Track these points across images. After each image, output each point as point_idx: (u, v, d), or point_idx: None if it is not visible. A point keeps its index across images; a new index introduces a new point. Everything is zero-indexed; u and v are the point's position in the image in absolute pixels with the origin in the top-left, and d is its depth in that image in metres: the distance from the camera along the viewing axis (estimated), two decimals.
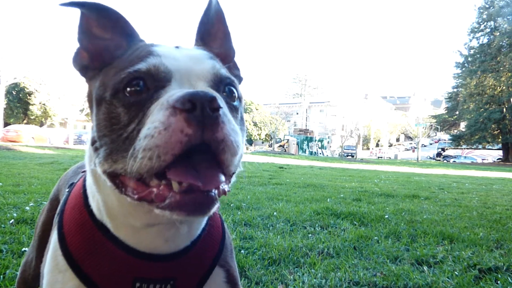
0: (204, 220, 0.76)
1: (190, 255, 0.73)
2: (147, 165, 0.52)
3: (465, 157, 44.78)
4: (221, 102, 0.57)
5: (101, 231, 0.69)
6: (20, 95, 40.58)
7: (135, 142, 0.54)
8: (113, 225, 0.69)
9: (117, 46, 0.70)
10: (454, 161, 42.15)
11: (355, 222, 3.64)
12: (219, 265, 0.79)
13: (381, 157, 48.21)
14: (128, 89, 0.59)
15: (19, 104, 40.48)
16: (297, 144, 44.13)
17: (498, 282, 2.19)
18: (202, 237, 0.76)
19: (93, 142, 0.63)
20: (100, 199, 0.69)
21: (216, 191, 0.56)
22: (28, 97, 40.39)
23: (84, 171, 0.79)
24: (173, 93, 0.56)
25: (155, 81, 0.59)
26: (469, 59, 42.83)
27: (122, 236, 0.69)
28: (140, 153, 0.52)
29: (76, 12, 0.71)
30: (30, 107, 40.78)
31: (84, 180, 0.76)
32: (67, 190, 0.87)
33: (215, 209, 0.56)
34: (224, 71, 0.67)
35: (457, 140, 44.40)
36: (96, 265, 0.68)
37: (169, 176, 0.53)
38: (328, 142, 45.59)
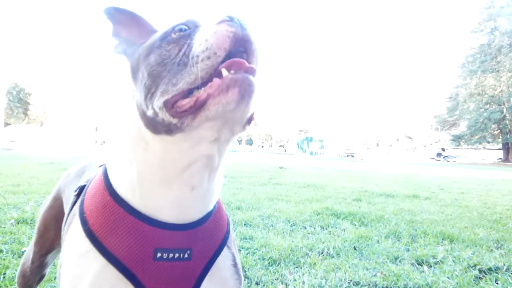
0: (216, 192, 0.80)
1: (204, 227, 0.78)
2: (207, 64, 0.62)
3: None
4: None
5: (122, 207, 0.73)
6: (20, 95, 40.53)
7: (189, 57, 0.64)
8: (140, 194, 0.73)
9: (146, 37, 0.80)
10: (454, 161, 42.17)
11: (355, 222, 3.64)
12: (227, 247, 0.84)
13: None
14: (175, 32, 0.70)
15: (19, 104, 40.44)
16: (297, 144, 44.15)
17: (498, 282, 2.19)
18: (213, 214, 0.82)
19: (145, 95, 0.69)
20: (135, 165, 0.73)
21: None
22: (28, 97, 40.32)
23: (101, 166, 0.85)
24: (211, 22, 0.67)
25: (193, 24, 0.71)
26: (469, 59, 42.84)
27: (145, 208, 0.73)
28: (199, 56, 0.63)
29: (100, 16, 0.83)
30: (30, 107, 40.73)
31: (104, 170, 0.80)
32: (74, 194, 0.90)
33: (255, 94, 0.63)
34: None
35: (457, 140, 44.40)
36: (118, 240, 0.72)
37: (222, 67, 0.63)
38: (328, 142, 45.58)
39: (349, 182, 8.30)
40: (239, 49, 0.65)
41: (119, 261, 0.71)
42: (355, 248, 2.76)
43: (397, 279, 2.15)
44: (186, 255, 0.75)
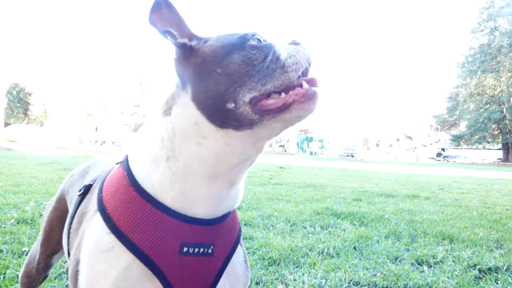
0: (243, 189, 0.85)
1: (225, 223, 0.82)
2: (294, 75, 0.74)
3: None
4: None
5: (150, 203, 0.74)
6: (20, 95, 40.54)
7: (278, 64, 0.74)
8: (178, 190, 0.74)
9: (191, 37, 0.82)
10: (454, 161, 42.16)
11: (355, 222, 3.64)
12: (240, 244, 0.88)
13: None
14: (253, 40, 0.78)
15: (19, 104, 40.45)
16: (297, 144, 44.14)
17: (498, 282, 2.19)
18: (232, 211, 0.85)
19: (227, 89, 0.72)
20: (181, 161, 0.74)
21: None
22: (28, 97, 40.33)
23: (118, 163, 0.86)
24: (284, 42, 0.80)
25: (263, 39, 0.80)
26: (469, 59, 42.83)
27: (177, 203, 0.75)
28: (290, 67, 0.74)
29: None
30: (30, 107, 40.73)
31: (126, 166, 0.81)
32: (79, 193, 0.91)
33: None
34: None
35: (457, 140, 44.39)
36: (145, 235, 0.72)
37: (300, 80, 0.75)
38: (328, 142, 45.57)
39: (349, 182, 8.30)
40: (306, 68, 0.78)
41: (147, 256, 0.72)
42: (355, 248, 2.76)
43: (397, 279, 2.15)
44: (209, 250, 0.78)
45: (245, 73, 0.73)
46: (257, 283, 2.03)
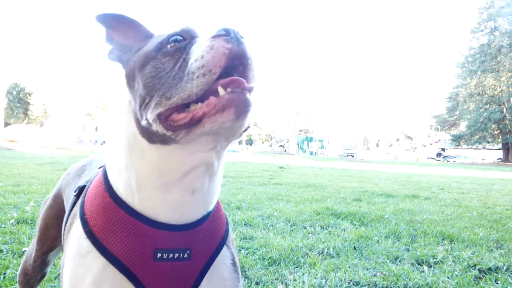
0: (216, 193, 0.81)
1: (203, 227, 0.79)
2: (202, 81, 0.62)
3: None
4: None
5: (123, 209, 0.74)
6: (20, 95, 40.53)
7: (185, 71, 0.64)
8: (139, 198, 0.74)
9: (141, 42, 0.81)
10: (454, 161, 42.16)
11: (355, 222, 3.64)
12: (226, 246, 0.85)
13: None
14: (170, 43, 0.70)
15: (19, 104, 40.44)
16: (297, 144, 44.14)
17: (498, 282, 2.19)
18: (212, 214, 0.82)
19: (140, 105, 0.70)
20: (133, 171, 0.74)
21: (250, 95, 0.65)
22: (28, 97, 40.31)
23: (101, 167, 0.87)
24: (207, 34, 0.67)
25: (189, 34, 0.72)
26: (469, 59, 42.82)
27: (145, 210, 0.74)
28: (195, 73, 0.63)
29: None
30: (30, 107, 40.71)
31: (104, 172, 0.81)
32: (74, 194, 0.91)
33: (252, 111, 0.64)
34: None
35: (457, 140, 44.39)
36: (119, 241, 0.73)
37: (217, 85, 0.63)
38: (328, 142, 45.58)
39: (349, 182, 8.30)
40: (235, 63, 0.65)
41: (120, 261, 0.72)
42: (355, 248, 2.76)
43: (397, 279, 2.15)
44: (185, 255, 0.76)
45: (152, 86, 0.68)
46: (257, 283, 2.03)
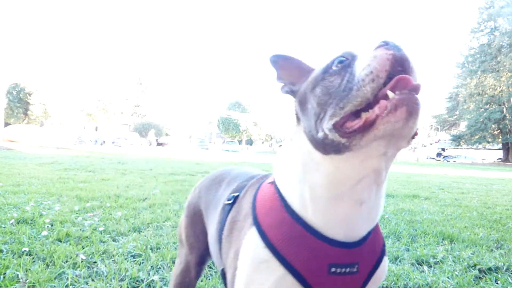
0: (381, 207, 0.86)
1: (368, 242, 0.85)
2: (372, 86, 0.67)
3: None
4: None
5: (300, 224, 0.80)
6: (20, 95, 40.53)
7: (353, 82, 0.70)
8: (312, 211, 0.80)
9: (305, 76, 0.90)
10: (454, 161, 42.16)
11: None
12: (385, 254, 0.91)
13: None
14: (334, 65, 0.77)
15: (19, 104, 40.44)
16: None
17: (498, 282, 2.19)
18: (375, 227, 0.88)
19: (315, 121, 0.78)
20: (306, 184, 0.80)
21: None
22: (28, 97, 40.32)
23: (263, 179, 0.98)
24: (367, 52, 0.72)
25: (351, 55, 0.77)
26: (469, 59, 42.81)
27: (318, 224, 0.80)
28: (364, 80, 0.68)
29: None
30: (30, 107, 40.72)
31: (276, 187, 0.88)
32: (228, 202, 1.01)
33: (422, 110, 0.68)
34: None
35: (457, 140, 44.38)
36: (297, 254, 0.78)
37: (385, 89, 0.67)
38: None
39: None
40: (397, 69, 0.69)
41: (298, 271, 0.78)
42: None
43: (397, 279, 2.15)
44: (355, 269, 0.82)
45: (325, 103, 0.76)
46: None
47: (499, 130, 40.12)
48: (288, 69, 0.95)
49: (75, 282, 1.91)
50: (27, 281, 1.85)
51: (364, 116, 0.69)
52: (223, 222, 0.98)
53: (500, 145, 43.02)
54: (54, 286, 1.86)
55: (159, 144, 41.12)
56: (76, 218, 3.19)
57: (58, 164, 8.89)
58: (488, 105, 40.27)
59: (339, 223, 0.79)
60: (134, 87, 53.46)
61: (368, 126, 0.68)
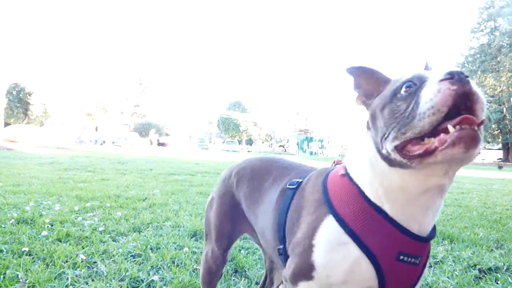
0: (441, 207, 0.93)
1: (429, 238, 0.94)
2: (432, 119, 0.73)
3: None
4: None
5: (378, 213, 0.89)
6: (20, 95, 40.51)
7: (416, 112, 0.76)
8: (389, 206, 0.88)
9: (381, 86, 0.97)
10: None
11: None
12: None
13: None
14: (403, 89, 0.83)
15: (19, 104, 40.42)
16: (297, 144, 44.13)
17: (498, 282, 2.19)
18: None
19: (381, 138, 0.85)
20: (378, 184, 0.89)
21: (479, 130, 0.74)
22: (28, 97, 40.29)
23: (327, 171, 1.07)
24: (434, 79, 0.78)
25: (419, 80, 0.82)
26: (469, 59, 42.80)
27: (396, 217, 0.88)
28: (425, 113, 0.74)
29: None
30: (30, 107, 40.70)
31: (348, 177, 0.96)
32: (291, 187, 1.10)
33: (481, 143, 0.73)
34: None
35: None
36: (373, 239, 0.87)
37: (446, 124, 0.73)
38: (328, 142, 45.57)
39: None
40: (462, 100, 0.74)
41: (374, 254, 0.87)
42: None
43: None
44: (418, 261, 0.91)
45: (390, 124, 0.83)
46: (257, 283, 2.03)
47: (499, 130, 40.11)
48: (366, 79, 1.01)
49: (75, 282, 1.90)
50: (27, 281, 1.85)
51: (425, 144, 0.76)
52: (285, 205, 1.08)
53: (500, 145, 43.00)
54: (54, 286, 1.86)
55: (160, 144, 41.11)
56: (76, 218, 3.19)
57: (58, 164, 8.89)
58: (488, 105, 40.10)
59: (411, 220, 0.88)
60: (134, 87, 53.49)
61: (428, 154, 0.75)
